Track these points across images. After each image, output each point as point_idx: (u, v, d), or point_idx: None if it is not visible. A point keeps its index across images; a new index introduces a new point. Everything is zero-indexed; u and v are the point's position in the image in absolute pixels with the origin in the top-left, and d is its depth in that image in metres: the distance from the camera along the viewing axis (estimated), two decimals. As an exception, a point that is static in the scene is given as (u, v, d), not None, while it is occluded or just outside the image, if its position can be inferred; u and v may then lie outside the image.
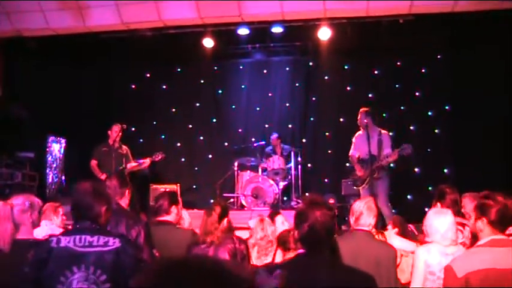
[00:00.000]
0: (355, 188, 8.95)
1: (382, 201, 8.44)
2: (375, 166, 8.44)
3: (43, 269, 3.10)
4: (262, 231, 5.21)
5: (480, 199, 3.65)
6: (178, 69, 12.90)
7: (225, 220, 4.75)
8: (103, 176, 8.86)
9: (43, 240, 3.44)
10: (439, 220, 4.30)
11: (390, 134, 9.30)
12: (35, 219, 4.09)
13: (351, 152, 9.09)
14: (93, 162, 9.43)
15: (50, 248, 3.15)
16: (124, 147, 9.69)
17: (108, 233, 3.30)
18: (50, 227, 6.13)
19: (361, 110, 8.91)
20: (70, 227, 4.49)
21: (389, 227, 6.39)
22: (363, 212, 4.44)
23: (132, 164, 9.60)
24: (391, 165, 8.98)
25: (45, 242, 3.27)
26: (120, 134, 9.59)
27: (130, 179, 8.89)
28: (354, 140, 9.10)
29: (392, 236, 5.57)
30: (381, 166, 8.48)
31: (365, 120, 8.68)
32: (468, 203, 5.61)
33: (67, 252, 3.11)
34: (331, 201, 9.95)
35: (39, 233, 5.87)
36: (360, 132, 9.02)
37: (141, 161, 9.66)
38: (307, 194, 11.07)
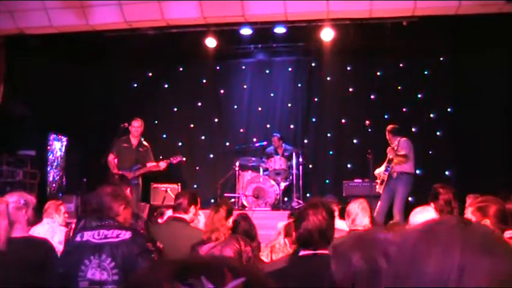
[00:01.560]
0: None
1: (398, 205, 8.66)
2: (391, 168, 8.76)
3: (69, 261, 3.57)
4: None
5: (480, 202, 3.64)
6: (181, 69, 12.89)
7: (230, 220, 4.80)
8: (117, 172, 8.59)
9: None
10: (419, 217, 4.20)
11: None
12: (30, 217, 4.07)
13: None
14: (111, 157, 9.10)
15: (75, 242, 3.61)
16: (145, 144, 9.52)
17: (123, 227, 3.66)
18: (52, 225, 6.14)
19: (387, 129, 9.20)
20: (73, 225, 4.55)
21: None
22: (358, 213, 4.48)
23: (151, 164, 9.40)
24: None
25: (72, 237, 3.77)
26: (141, 129, 9.45)
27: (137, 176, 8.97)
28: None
29: None
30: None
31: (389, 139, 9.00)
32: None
33: (87, 245, 3.52)
34: (331, 201, 9.93)
35: (41, 230, 5.88)
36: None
37: (160, 163, 9.43)
38: (308, 195, 11.11)
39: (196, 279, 0.91)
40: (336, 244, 1.89)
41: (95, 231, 3.59)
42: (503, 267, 1.05)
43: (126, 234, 3.54)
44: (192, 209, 5.21)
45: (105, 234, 3.55)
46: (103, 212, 3.76)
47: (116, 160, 9.14)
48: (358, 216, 4.46)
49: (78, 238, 3.62)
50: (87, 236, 3.57)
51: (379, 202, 8.76)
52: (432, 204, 5.21)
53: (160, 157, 10.34)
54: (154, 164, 9.42)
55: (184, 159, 9.84)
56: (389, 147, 8.89)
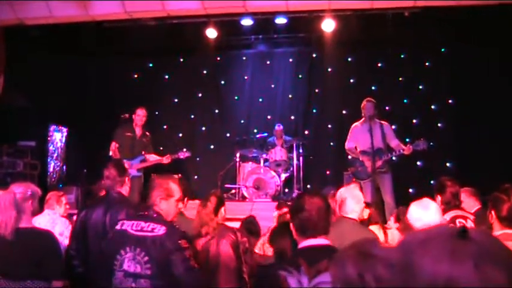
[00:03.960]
0: (357, 180, 8.85)
1: (389, 194, 8.43)
2: (384, 160, 8.42)
3: (108, 248, 3.75)
4: None
5: (496, 193, 3.61)
6: (181, 60, 12.86)
7: (222, 209, 4.80)
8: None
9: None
10: (420, 212, 4.14)
11: (393, 127, 9.27)
12: (35, 208, 4.09)
13: (348, 145, 8.97)
14: (114, 145, 8.94)
15: (116, 230, 3.73)
16: (147, 134, 9.50)
17: (159, 221, 3.67)
18: (52, 216, 6.14)
19: (369, 100, 8.81)
20: (75, 217, 4.56)
21: (391, 220, 6.34)
22: (347, 198, 4.38)
23: (154, 157, 9.39)
24: (393, 158, 8.93)
25: (115, 225, 3.85)
26: (145, 118, 9.40)
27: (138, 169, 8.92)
28: (350, 131, 9.01)
29: (394, 233, 5.54)
30: (388, 159, 8.47)
31: (372, 112, 8.61)
32: (465, 198, 5.59)
33: (124, 234, 3.62)
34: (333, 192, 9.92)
35: (41, 221, 5.88)
36: (356, 124, 8.96)
37: (164, 157, 9.36)
38: (309, 186, 11.10)
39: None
40: (340, 250, 1.91)
41: (133, 222, 3.68)
42: (495, 279, 1.06)
43: (161, 230, 3.56)
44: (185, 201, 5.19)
45: (141, 226, 3.61)
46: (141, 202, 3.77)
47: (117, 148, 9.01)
48: (345, 202, 4.39)
49: (118, 226, 3.73)
50: (125, 225, 3.68)
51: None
52: (439, 196, 5.17)
53: (161, 148, 10.36)
54: (158, 158, 9.40)
55: (190, 155, 9.78)
56: None
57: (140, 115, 9.33)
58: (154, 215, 3.70)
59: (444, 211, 4.72)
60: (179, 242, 3.55)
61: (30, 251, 3.83)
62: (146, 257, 3.47)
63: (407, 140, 8.86)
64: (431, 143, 11.11)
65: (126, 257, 3.52)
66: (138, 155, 9.17)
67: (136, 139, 9.29)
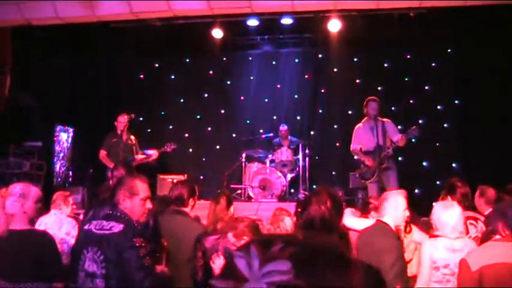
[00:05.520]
0: (363, 181, 8.84)
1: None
2: (383, 155, 8.38)
3: (75, 248, 3.74)
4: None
5: (500, 192, 3.64)
6: (187, 60, 12.89)
7: (232, 208, 4.82)
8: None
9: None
10: (448, 213, 4.23)
11: (398, 127, 9.25)
12: (28, 209, 4.03)
13: (352, 146, 8.93)
14: (103, 153, 9.42)
15: (83, 229, 3.70)
16: (132, 137, 9.69)
17: (119, 219, 3.56)
18: (59, 215, 6.15)
19: (372, 99, 8.78)
20: (81, 216, 4.57)
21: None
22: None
23: (140, 156, 9.59)
24: (399, 158, 8.92)
25: (83, 224, 3.82)
26: (127, 123, 9.59)
27: (137, 169, 9.01)
28: (354, 133, 8.99)
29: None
30: (388, 155, 8.43)
31: (376, 111, 8.58)
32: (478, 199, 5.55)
33: (89, 234, 3.57)
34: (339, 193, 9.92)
35: (48, 221, 5.90)
36: (359, 124, 8.94)
37: (150, 153, 9.65)
38: (314, 187, 11.09)
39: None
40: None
41: (98, 221, 3.59)
42: None
43: (117, 228, 3.48)
44: (191, 201, 5.20)
45: (103, 225, 3.53)
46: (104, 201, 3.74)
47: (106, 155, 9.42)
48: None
49: (86, 226, 3.66)
50: (93, 225, 3.59)
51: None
52: (449, 197, 5.17)
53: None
54: (143, 156, 9.62)
55: (176, 146, 9.87)
56: None
57: (122, 122, 9.54)
58: (118, 214, 3.61)
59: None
60: (133, 240, 3.47)
61: (26, 253, 3.81)
62: (102, 256, 3.41)
63: (413, 140, 8.80)
64: (437, 144, 11.15)
65: (87, 256, 3.47)
66: (126, 158, 9.29)
67: (123, 143, 9.45)
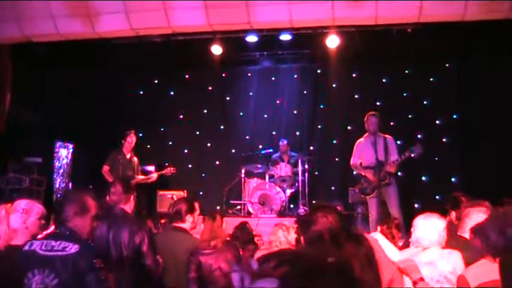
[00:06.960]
0: (363, 196, 8.83)
1: (395, 208, 8.37)
2: (384, 171, 8.38)
3: (15, 271, 3.31)
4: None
5: (495, 207, 3.63)
6: (187, 76, 12.93)
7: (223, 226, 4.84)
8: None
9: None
10: (428, 224, 4.14)
11: (398, 142, 9.27)
12: (30, 226, 4.03)
13: (352, 161, 8.92)
14: (106, 168, 9.45)
15: (23, 251, 3.34)
16: (135, 158, 9.76)
17: (71, 239, 3.32)
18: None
19: (372, 114, 8.82)
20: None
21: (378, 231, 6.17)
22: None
23: (141, 177, 9.66)
24: (398, 173, 8.93)
25: (22, 245, 3.43)
26: (134, 144, 9.71)
27: (136, 185, 9.03)
28: (355, 147, 9.00)
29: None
30: (389, 172, 8.43)
31: (376, 126, 8.62)
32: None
33: (32, 255, 3.27)
34: (339, 208, 9.91)
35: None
36: (360, 139, 8.95)
37: (150, 175, 9.82)
38: (314, 201, 11.09)
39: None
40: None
41: (44, 241, 3.32)
42: None
43: (73, 248, 3.23)
44: (189, 218, 5.14)
45: (51, 245, 3.27)
46: (57, 219, 3.46)
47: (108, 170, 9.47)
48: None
49: (26, 247, 3.36)
50: (35, 245, 3.31)
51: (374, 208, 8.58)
52: (453, 212, 5.14)
53: (166, 164, 10.43)
54: (144, 177, 9.73)
55: (175, 171, 10.15)
56: None
57: (130, 142, 9.65)
58: (67, 233, 3.36)
59: (460, 227, 4.67)
60: (93, 261, 3.24)
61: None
62: (55, 280, 3.16)
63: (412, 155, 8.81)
64: (436, 158, 11.15)
65: (34, 280, 3.19)
66: (126, 175, 9.33)
67: (126, 162, 9.53)
